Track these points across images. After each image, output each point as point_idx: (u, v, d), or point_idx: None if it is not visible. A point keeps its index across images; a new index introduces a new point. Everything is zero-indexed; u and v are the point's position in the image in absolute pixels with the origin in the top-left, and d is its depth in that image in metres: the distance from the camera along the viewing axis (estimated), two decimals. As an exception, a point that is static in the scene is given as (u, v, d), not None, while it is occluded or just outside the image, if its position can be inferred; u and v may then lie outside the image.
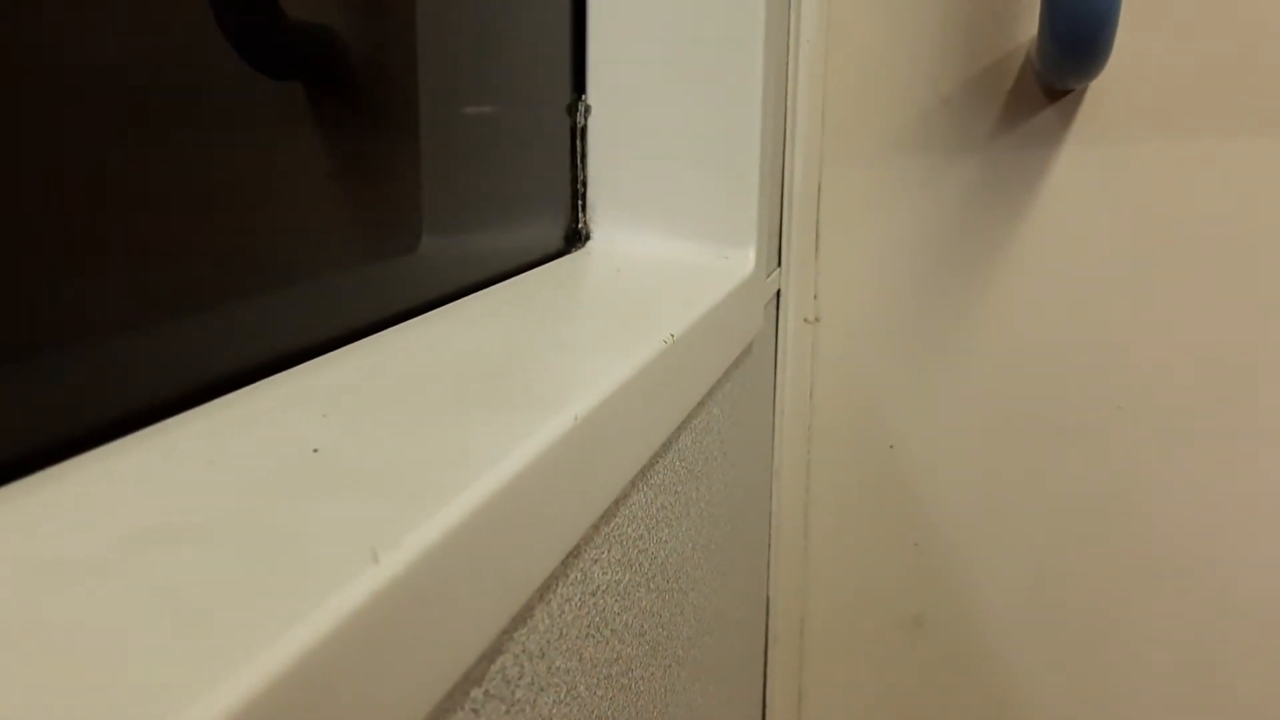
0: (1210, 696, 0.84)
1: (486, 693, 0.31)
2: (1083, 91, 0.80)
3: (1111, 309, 0.81)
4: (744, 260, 0.66)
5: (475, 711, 0.30)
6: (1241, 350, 0.79)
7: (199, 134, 0.36)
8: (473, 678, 0.30)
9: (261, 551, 0.23)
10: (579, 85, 0.66)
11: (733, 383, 0.67)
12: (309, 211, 0.45)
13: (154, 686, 0.18)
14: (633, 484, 0.45)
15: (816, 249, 0.87)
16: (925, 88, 0.83)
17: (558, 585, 0.36)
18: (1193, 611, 0.83)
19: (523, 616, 0.33)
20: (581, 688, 0.40)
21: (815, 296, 0.88)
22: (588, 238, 0.67)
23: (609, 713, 0.43)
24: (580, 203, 0.67)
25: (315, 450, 0.29)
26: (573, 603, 0.38)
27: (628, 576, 0.45)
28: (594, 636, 0.41)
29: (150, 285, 0.34)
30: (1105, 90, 0.79)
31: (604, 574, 0.42)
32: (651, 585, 0.50)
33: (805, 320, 0.88)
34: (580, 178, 0.66)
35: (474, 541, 0.27)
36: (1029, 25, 0.79)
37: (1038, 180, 0.82)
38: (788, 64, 0.80)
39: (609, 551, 0.42)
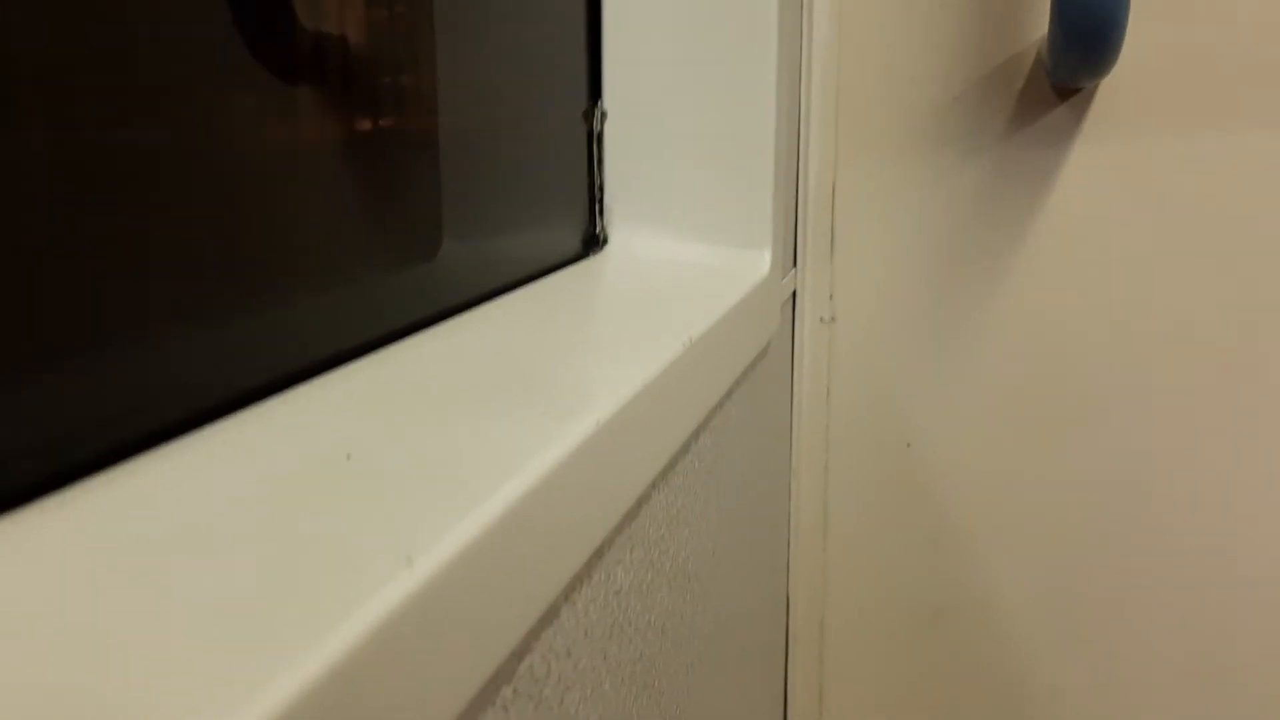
0: (1227, 688, 0.84)
1: (515, 691, 0.31)
2: (1094, 89, 0.80)
3: (1127, 304, 0.82)
4: (760, 262, 0.66)
5: (505, 709, 0.31)
6: (1258, 342, 0.79)
7: (220, 143, 0.37)
8: (502, 676, 0.30)
9: (298, 557, 0.24)
10: (595, 91, 0.67)
11: (750, 383, 0.68)
12: (329, 220, 0.46)
13: (195, 691, 0.19)
14: (653, 485, 0.46)
15: (832, 249, 0.87)
16: (937, 87, 0.83)
17: (582, 585, 0.37)
18: (1212, 605, 0.84)
19: (549, 616, 0.34)
20: (606, 686, 0.41)
21: (831, 296, 0.88)
22: (605, 242, 0.68)
23: (633, 710, 0.44)
24: (597, 207, 0.67)
25: (349, 456, 0.30)
26: (597, 603, 0.39)
27: (650, 576, 0.46)
28: (618, 636, 0.42)
29: (178, 296, 0.34)
30: (1116, 88, 0.79)
31: (626, 574, 0.42)
32: (673, 585, 0.50)
33: (821, 320, 0.89)
34: (597, 183, 0.67)
35: (503, 543, 0.28)
36: (1039, 24, 0.80)
37: (1050, 177, 0.82)
38: (801, 66, 0.80)
39: (631, 552, 0.43)
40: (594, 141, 0.67)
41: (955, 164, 0.84)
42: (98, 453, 0.29)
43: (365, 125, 0.49)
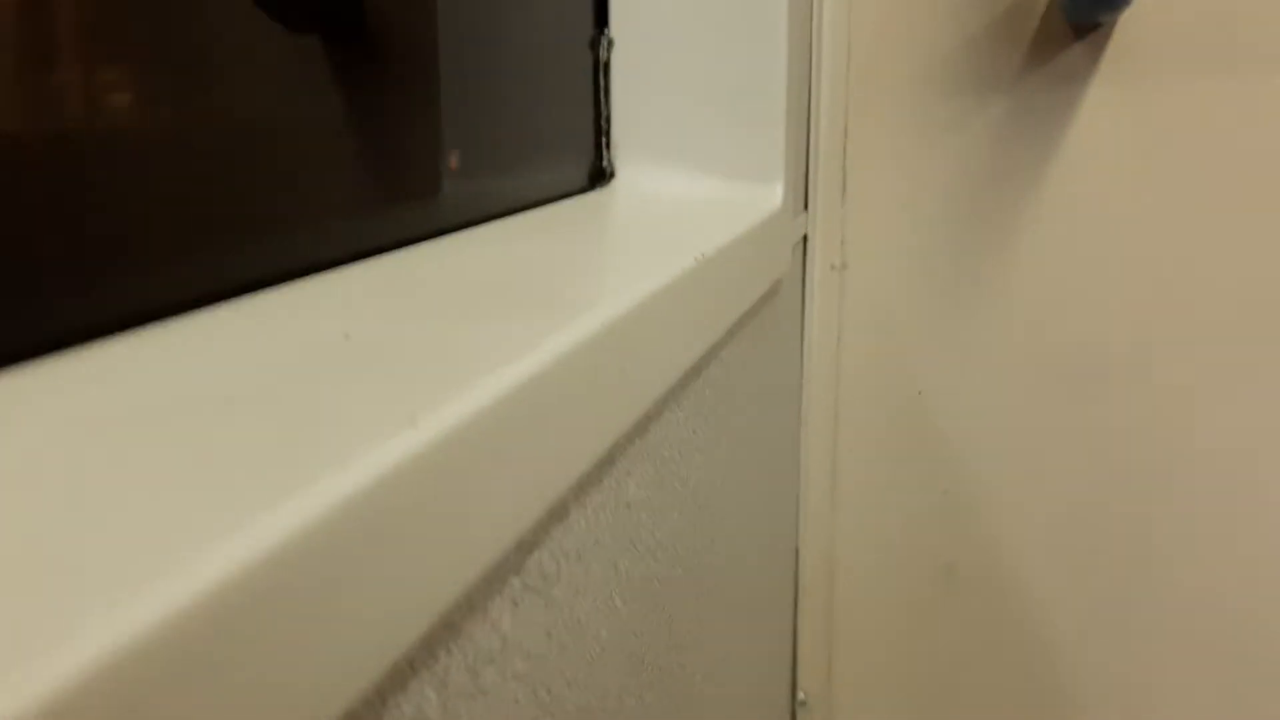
0: (1248, 641, 0.83)
1: (525, 585, 0.30)
2: (1110, 27, 0.78)
3: (1143, 248, 0.80)
4: (772, 195, 0.65)
5: (515, 602, 0.30)
6: (1276, 288, 0.78)
7: (229, 82, 0.36)
8: (511, 566, 0.29)
9: (298, 417, 0.23)
10: (601, 19, 0.65)
11: (761, 322, 0.66)
12: (332, 150, 0.45)
13: (193, 520, 0.18)
14: (664, 401, 0.45)
15: (843, 193, 0.86)
16: (951, 27, 0.82)
17: (593, 491, 0.36)
18: (1228, 553, 0.82)
19: (559, 513, 0.33)
20: (617, 600, 0.40)
21: (842, 242, 0.87)
22: (612, 175, 0.67)
23: (644, 629, 0.43)
24: (604, 140, 0.66)
25: (347, 336, 0.29)
26: (607, 510, 0.38)
27: (660, 496, 0.45)
28: (629, 550, 0.41)
29: (196, 199, 0.34)
30: (1133, 24, 0.78)
31: (638, 489, 0.41)
32: (683, 510, 0.49)
33: (832, 266, 0.87)
34: (604, 114, 0.66)
35: (508, 421, 0.27)
36: (1057, -43, 0.78)
37: (1067, 119, 0.81)
38: (813, 3, 0.79)
39: (642, 465, 0.42)
40: (600, 71, 0.65)
41: (969, 106, 0.82)
42: (105, 319, 0.28)
43: (364, 57, 0.48)
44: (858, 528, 0.91)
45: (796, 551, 0.91)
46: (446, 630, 0.25)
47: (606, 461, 0.37)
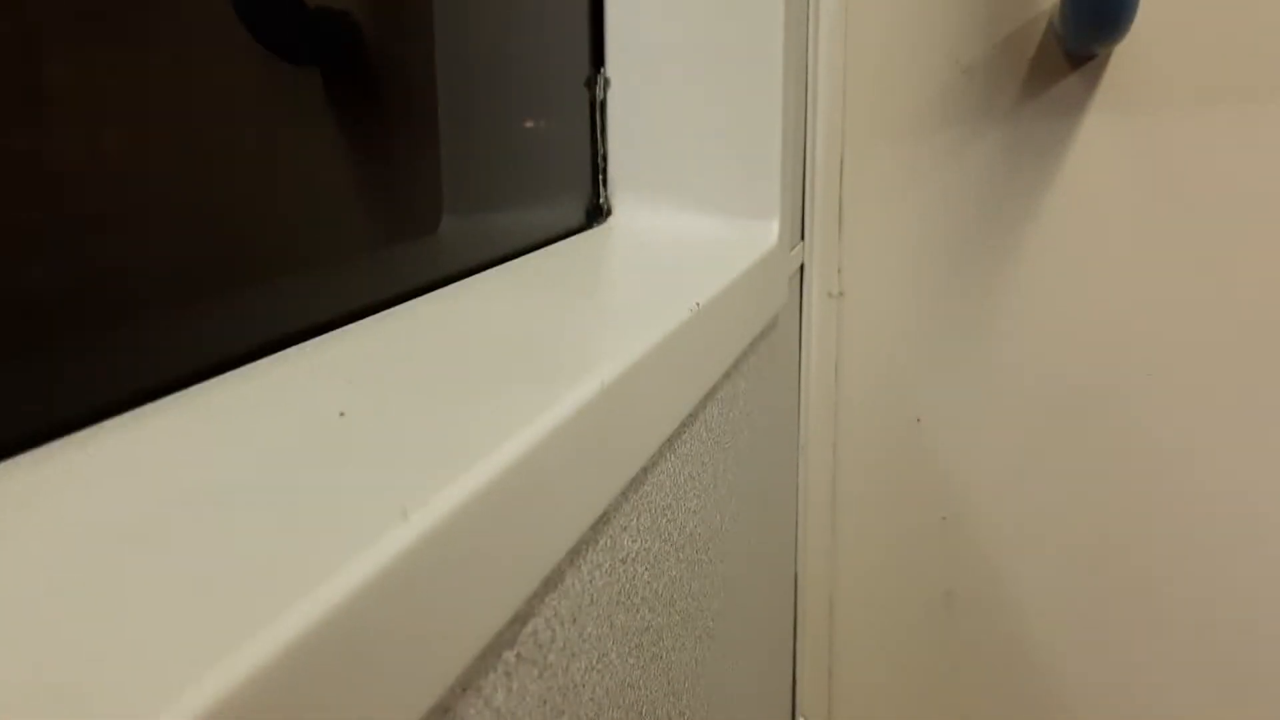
0: (1246, 668, 0.83)
1: (519, 655, 0.30)
2: (1106, 57, 0.79)
3: (1139, 277, 0.80)
4: (767, 232, 0.65)
5: (508, 674, 0.30)
6: (1271, 316, 0.78)
7: (219, 118, 0.36)
8: (505, 640, 0.29)
9: (293, 512, 0.23)
10: (598, 59, 0.65)
11: (758, 356, 0.67)
12: (329, 193, 0.45)
13: (192, 639, 0.18)
14: (660, 452, 0.45)
15: (840, 222, 0.86)
16: (946, 58, 0.82)
17: (587, 551, 0.36)
18: (1227, 584, 0.83)
19: (554, 580, 0.33)
20: (613, 655, 0.40)
21: (839, 270, 0.87)
22: (609, 213, 0.67)
23: (640, 681, 0.43)
24: (601, 177, 0.66)
25: (342, 414, 0.29)
26: (603, 569, 0.38)
27: (657, 545, 0.45)
28: (624, 604, 0.41)
29: (182, 261, 0.34)
30: (1129, 55, 0.78)
31: (633, 541, 0.42)
32: (681, 556, 0.49)
33: (830, 294, 0.88)
34: (600, 152, 0.66)
35: (503, 503, 0.27)
36: (1052, -11, 0.78)
37: (1062, 149, 0.81)
38: (808, 36, 0.79)
39: (638, 519, 0.42)
40: (597, 110, 0.65)
41: (966, 136, 0.83)
42: (93, 408, 0.28)
43: (363, 96, 0.48)
44: (857, 554, 0.92)
45: (796, 578, 0.91)
46: (439, 714, 0.26)
47: (601, 521, 0.37)
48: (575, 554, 0.35)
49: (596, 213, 0.67)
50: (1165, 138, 0.78)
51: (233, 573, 0.20)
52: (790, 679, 0.92)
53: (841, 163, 0.85)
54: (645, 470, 0.43)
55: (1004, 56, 0.81)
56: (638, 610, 0.43)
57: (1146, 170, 0.79)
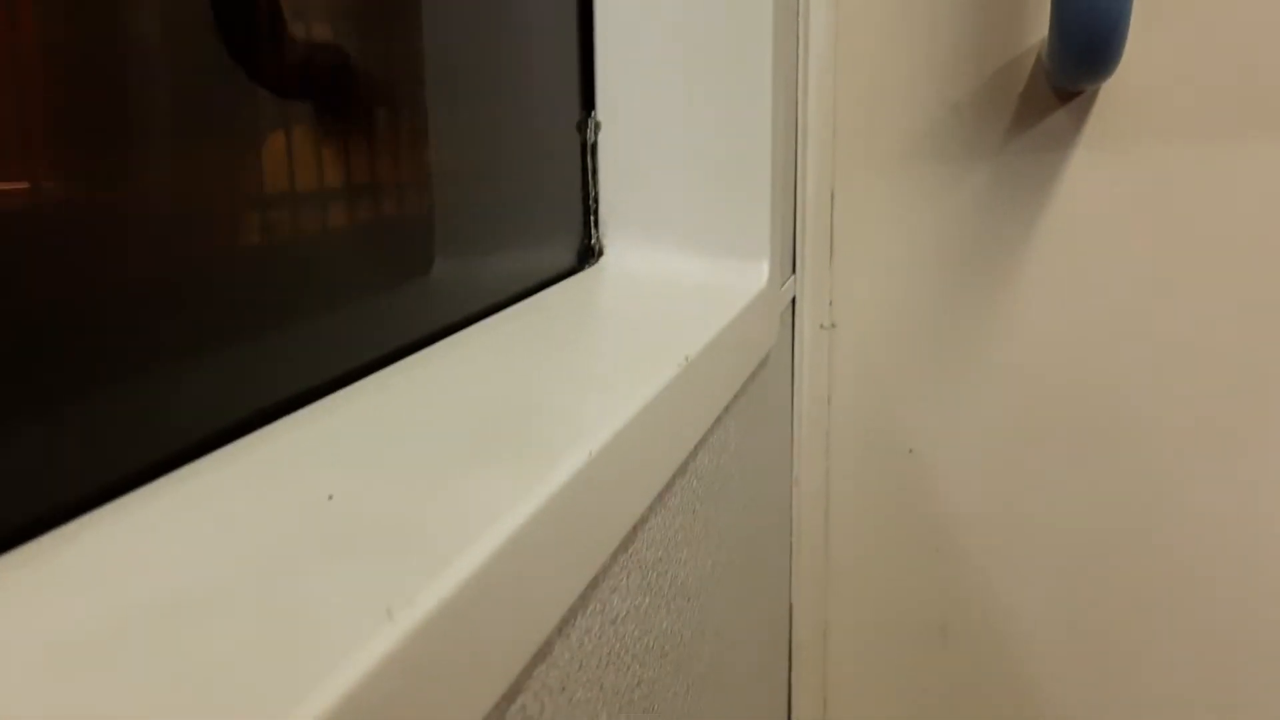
0: (1246, 696, 0.84)
1: (507, 733, 0.31)
2: (1094, 93, 0.79)
3: (1129, 309, 0.81)
4: (758, 273, 0.65)
5: (496, 753, 0.30)
6: (1262, 350, 0.78)
7: (202, 158, 0.36)
8: (493, 719, 0.30)
9: (276, 617, 0.24)
10: (588, 102, 0.66)
11: (749, 395, 0.67)
12: (318, 238, 0.45)
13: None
14: (650, 509, 0.45)
15: (831, 255, 0.87)
16: (935, 94, 0.82)
17: (576, 618, 0.36)
18: (1222, 618, 0.83)
19: (542, 653, 0.33)
20: (604, 716, 0.40)
21: (830, 302, 0.87)
22: (600, 254, 0.67)
23: (631, 739, 0.43)
24: (592, 219, 0.67)
25: (330, 497, 0.29)
26: (592, 633, 0.38)
27: (647, 601, 0.45)
28: (614, 664, 0.41)
29: (150, 329, 0.33)
30: (1117, 91, 0.78)
31: (623, 601, 0.42)
32: (671, 607, 0.49)
33: (821, 326, 0.88)
34: (592, 194, 0.66)
35: (490, 588, 0.27)
36: (1038, 27, 0.79)
37: (1051, 183, 0.82)
38: (797, 74, 0.79)
39: (627, 578, 0.42)
40: (588, 153, 0.66)
41: (955, 168, 0.83)
42: (57, 507, 0.28)
43: (353, 138, 0.48)
44: (851, 587, 0.92)
45: (790, 611, 0.91)
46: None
47: (590, 586, 0.38)
48: (564, 623, 0.35)
49: (588, 254, 0.67)
50: (1153, 173, 0.78)
51: (208, 692, 0.21)
52: (785, 712, 0.92)
53: (832, 196, 0.86)
54: (635, 528, 0.43)
55: (993, 92, 0.81)
56: (628, 668, 0.43)
57: (1134, 205, 0.79)
